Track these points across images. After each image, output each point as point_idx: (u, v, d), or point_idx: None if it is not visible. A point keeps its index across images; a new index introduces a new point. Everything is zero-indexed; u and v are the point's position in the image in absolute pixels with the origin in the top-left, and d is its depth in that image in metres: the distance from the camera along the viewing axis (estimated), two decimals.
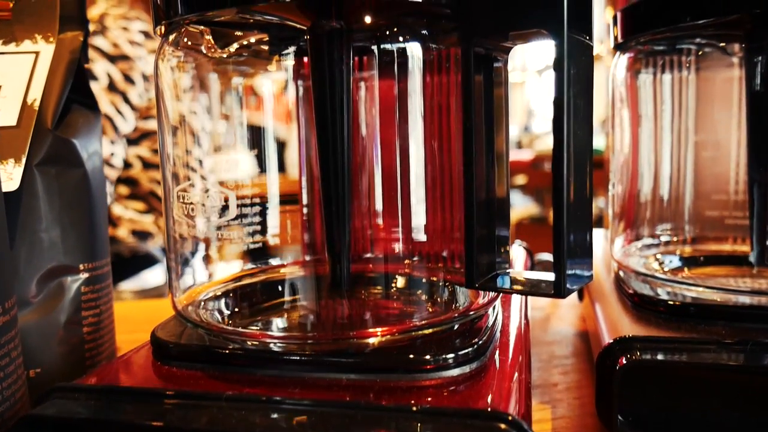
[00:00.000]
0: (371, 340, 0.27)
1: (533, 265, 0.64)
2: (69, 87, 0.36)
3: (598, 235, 0.65)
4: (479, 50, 0.27)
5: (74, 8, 0.38)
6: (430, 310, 0.35)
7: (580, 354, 0.47)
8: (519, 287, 0.28)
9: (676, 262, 0.45)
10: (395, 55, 0.29)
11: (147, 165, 1.04)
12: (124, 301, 0.74)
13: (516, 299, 0.39)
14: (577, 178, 0.26)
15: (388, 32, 0.28)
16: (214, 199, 0.30)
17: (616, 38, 0.39)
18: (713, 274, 0.45)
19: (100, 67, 0.95)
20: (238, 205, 0.34)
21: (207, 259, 0.33)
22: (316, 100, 0.29)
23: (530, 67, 8.53)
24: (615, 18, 0.39)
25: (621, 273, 0.42)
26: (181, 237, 0.31)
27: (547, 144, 4.18)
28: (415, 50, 0.29)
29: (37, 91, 0.34)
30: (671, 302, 0.35)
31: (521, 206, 4.53)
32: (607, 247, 0.59)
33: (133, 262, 1.06)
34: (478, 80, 0.28)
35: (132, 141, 1.03)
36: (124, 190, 1.05)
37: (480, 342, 0.29)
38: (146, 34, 1.01)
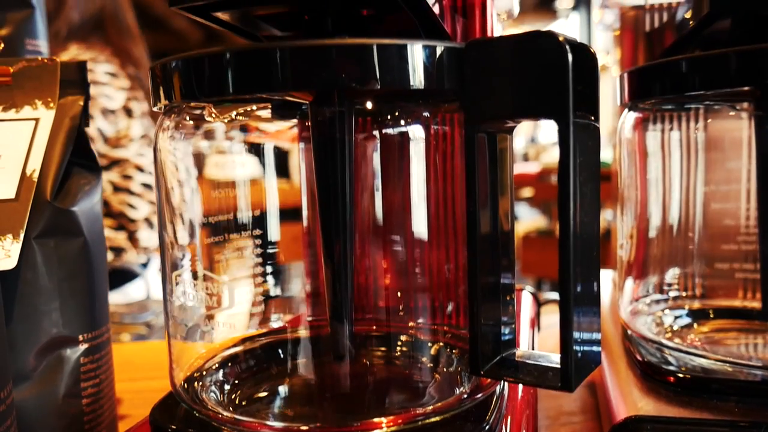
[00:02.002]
0: None
1: (540, 305, 0.64)
2: (69, 155, 0.35)
3: (606, 277, 0.64)
4: (482, 135, 0.27)
5: (75, 72, 0.38)
6: (438, 379, 0.34)
7: (589, 410, 0.46)
8: (525, 377, 0.27)
9: (685, 318, 0.44)
10: (398, 131, 0.28)
11: (117, 189, 1.11)
12: (125, 344, 0.74)
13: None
14: (583, 267, 0.26)
15: (390, 117, 0.28)
16: (212, 288, 0.30)
17: (623, 97, 0.39)
18: (724, 329, 0.44)
19: None
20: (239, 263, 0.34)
21: (205, 336, 0.33)
22: (318, 177, 0.28)
23: None
24: (622, 78, 0.38)
25: (629, 331, 0.42)
26: (178, 316, 0.31)
27: (553, 157, 4.16)
28: (417, 132, 0.28)
29: (37, 162, 0.34)
30: (681, 375, 0.34)
31: (528, 219, 4.51)
32: (615, 294, 0.58)
33: (113, 277, 1.11)
34: (483, 159, 0.28)
35: (103, 167, 1.08)
36: None
37: (487, 427, 0.28)
38: (112, 75, 1.07)
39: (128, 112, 1.10)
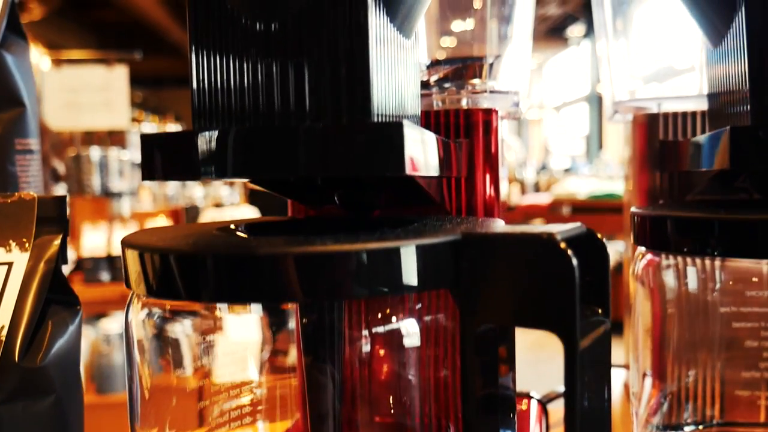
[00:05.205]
0: None
1: (546, 405, 0.61)
2: (42, 305, 0.33)
3: (617, 378, 0.61)
4: (480, 336, 0.24)
5: (53, 208, 0.36)
6: None
7: None
8: None
9: None
10: (389, 328, 0.26)
11: None
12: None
13: None
14: None
15: (380, 314, 0.25)
16: None
17: (635, 236, 0.36)
18: None
19: None
20: None
21: None
22: (307, 377, 0.26)
23: (548, 104, 8.55)
24: (634, 218, 0.36)
25: None
26: None
27: (564, 188, 4.14)
28: (411, 327, 0.26)
29: (6, 317, 0.32)
30: None
31: None
32: (626, 404, 0.55)
33: None
34: (480, 355, 0.25)
35: None
36: None
37: None
38: None
39: None
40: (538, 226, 0.24)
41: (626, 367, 0.62)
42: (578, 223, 0.24)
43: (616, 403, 0.59)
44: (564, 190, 4.10)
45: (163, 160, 0.25)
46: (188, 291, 0.23)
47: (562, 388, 0.64)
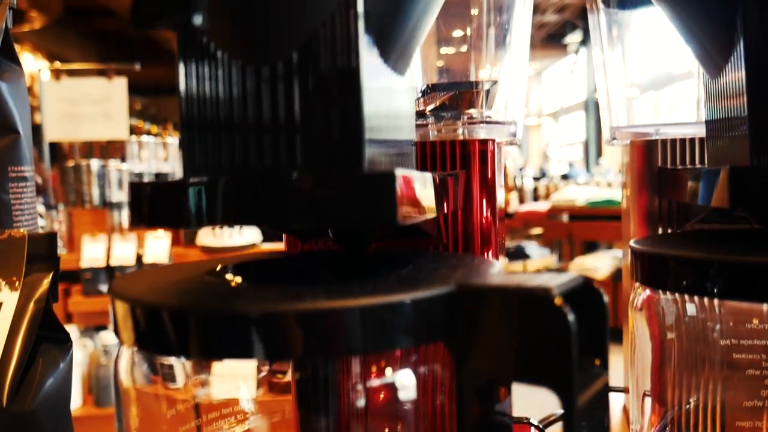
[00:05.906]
0: None
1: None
2: (31, 347, 0.33)
3: (615, 402, 0.61)
4: (477, 391, 0.24)
5: (43, 245, 0.35)
6: None
7: None
8: None
9: None
10: (384, 382, 0.25)
11: None
12: None
13: None
14: None
15: (375, 367, 0.25)
16: None
17: (632, 272, 0.36)
18: None
19: None
20: None
21: None
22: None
23: (546, 110, 8.55)
24: (633, 253, 0.35)
25: None
26: None
27: (563, 195, 4.13)
28: (407, 378, 0.26)
29: None
30: None
31: (538, 257, 4.47)
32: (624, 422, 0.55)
33: None
34: (476, 408, 0.25)
35: None
36: None
37: None
38: None
39: None
40: (535, 277, 0.23)
41: (625, 390, 0.61)
42: (575, 274, 0.24)
43: (615, 428, 0.59)
44: (562, 197, 4.09)
45: (152, 208, 0.25)
46: (176, 346, 0.22)
47: (560, 411, 0.64)
